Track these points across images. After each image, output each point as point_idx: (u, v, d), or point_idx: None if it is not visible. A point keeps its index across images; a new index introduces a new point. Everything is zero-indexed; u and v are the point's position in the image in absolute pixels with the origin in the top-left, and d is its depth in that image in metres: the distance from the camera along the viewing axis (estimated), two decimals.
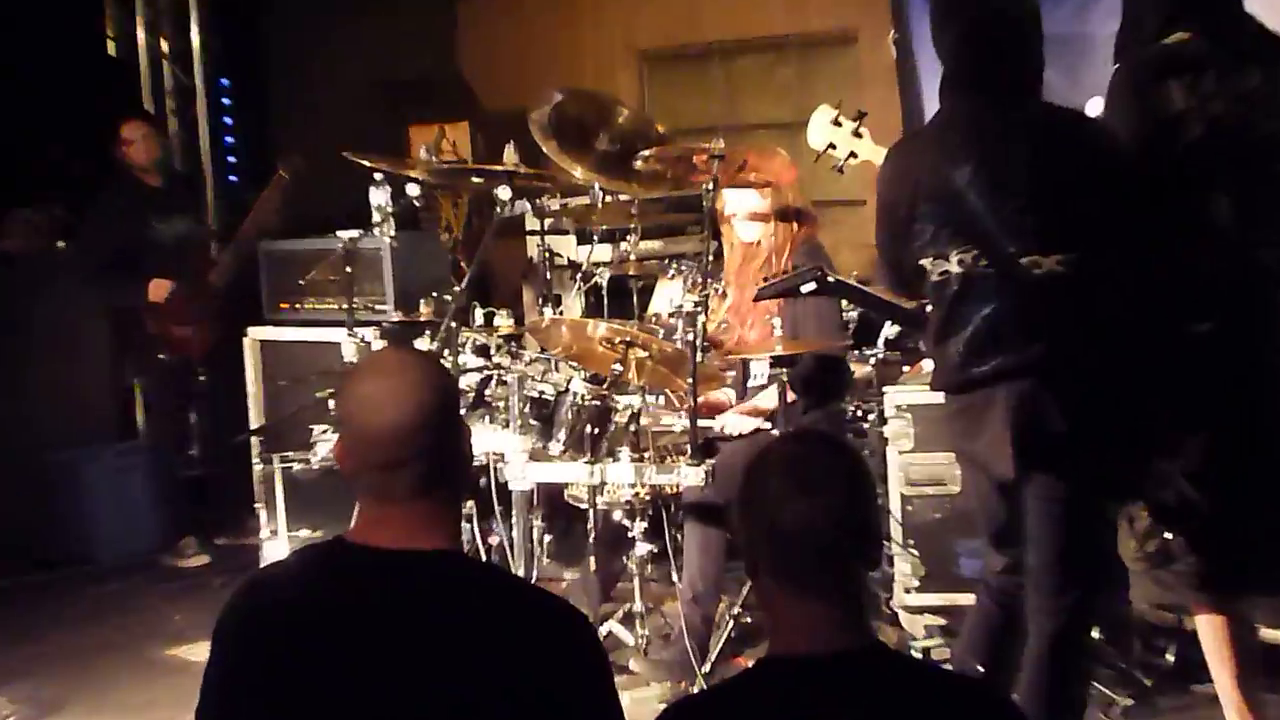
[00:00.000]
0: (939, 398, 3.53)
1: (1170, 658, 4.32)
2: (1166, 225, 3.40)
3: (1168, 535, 3.62)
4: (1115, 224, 3.31)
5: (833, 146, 3.91)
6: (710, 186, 4.10)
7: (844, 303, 4.79)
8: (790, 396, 4.44)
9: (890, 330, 5.13)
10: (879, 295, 3.92)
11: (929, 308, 3.44)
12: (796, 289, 3.95)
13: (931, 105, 6.26)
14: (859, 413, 4.98)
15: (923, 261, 3.36)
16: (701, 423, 4.32)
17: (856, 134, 3.89)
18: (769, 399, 4.66)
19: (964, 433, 3.43)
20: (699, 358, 3.99)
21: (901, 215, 3.37)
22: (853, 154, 3.85)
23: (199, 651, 4.96)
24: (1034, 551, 3.40)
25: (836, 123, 3.92)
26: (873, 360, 5.12)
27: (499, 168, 4.66)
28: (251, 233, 6.16)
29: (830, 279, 3.94)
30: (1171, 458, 3.47)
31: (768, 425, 4.63)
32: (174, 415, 6.44)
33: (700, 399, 4.19)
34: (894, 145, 3.67)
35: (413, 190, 5.08)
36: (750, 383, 4.87)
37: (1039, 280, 3.24)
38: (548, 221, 5.17)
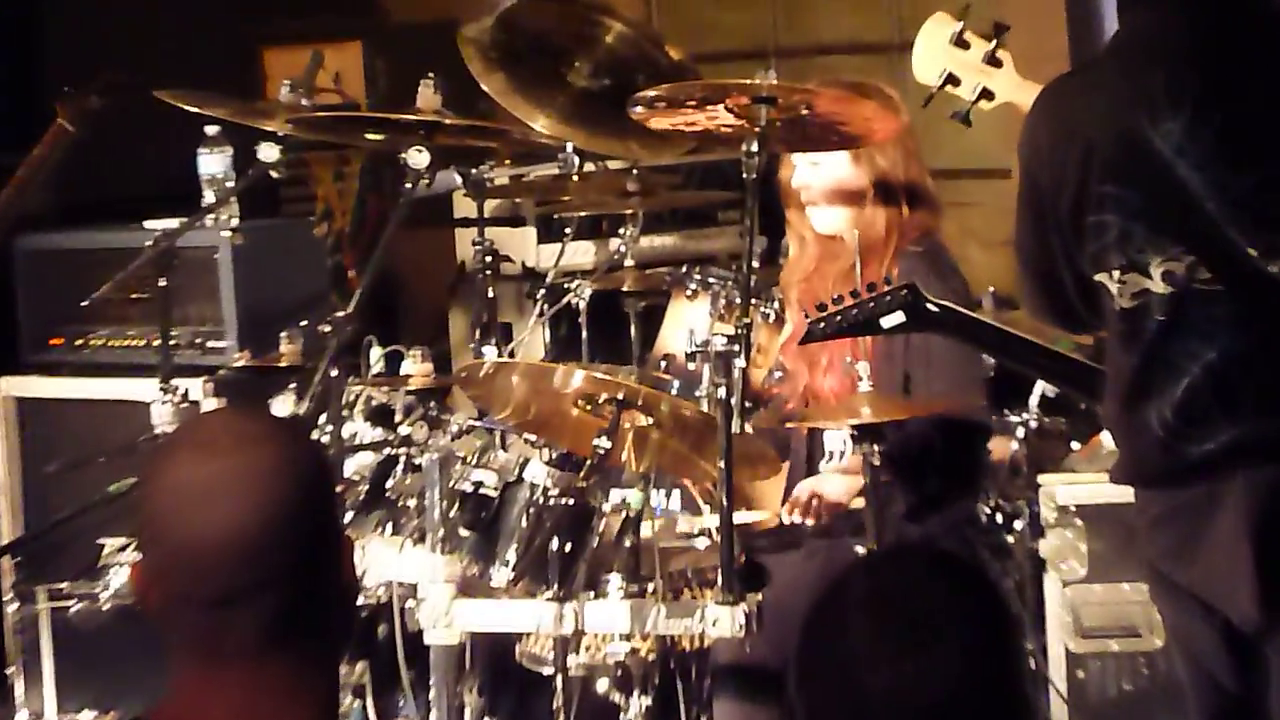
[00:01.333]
0: (1128, 494, 3.54)
1: None
2: None
3: None
4: None
5: (954, 80, 3.94)
6: (754, 149, 4.12)
7: None
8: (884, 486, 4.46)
9: (1047, 386, 5.14)
10: (1022, 335, 3.95)
11: (1111, 352, 3.46)
12: (875, 323, 3.98)
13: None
14: (998, 517, 4.98)
15: (1100, 278, 3.38)
16: (742, 522, 4.33)
17: (993, 60, 3.92)
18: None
19: (1174, 552, 3.43)
20: (737, 426, 4.00)
21: (1063, 203, 3.39)
22: (986, 93, 3.88)
23: None
24: None
25: (960, 43, 3.95)
26: (1021, 432, 5.13)
27: (410, 116, 4.69)
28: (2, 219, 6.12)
29: (934, 306, 3.96)
30: None
31: (854, 540, 4.64)
32: None
33: (741, 496, 4.18)
34: (1049, 87, 3.68)
35: (269, 154, 5.11)
36: (823, 465, 4.87)
37: None
38: (490, 204, 5.19)
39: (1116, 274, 3.34)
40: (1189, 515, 3.36)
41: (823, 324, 4.08)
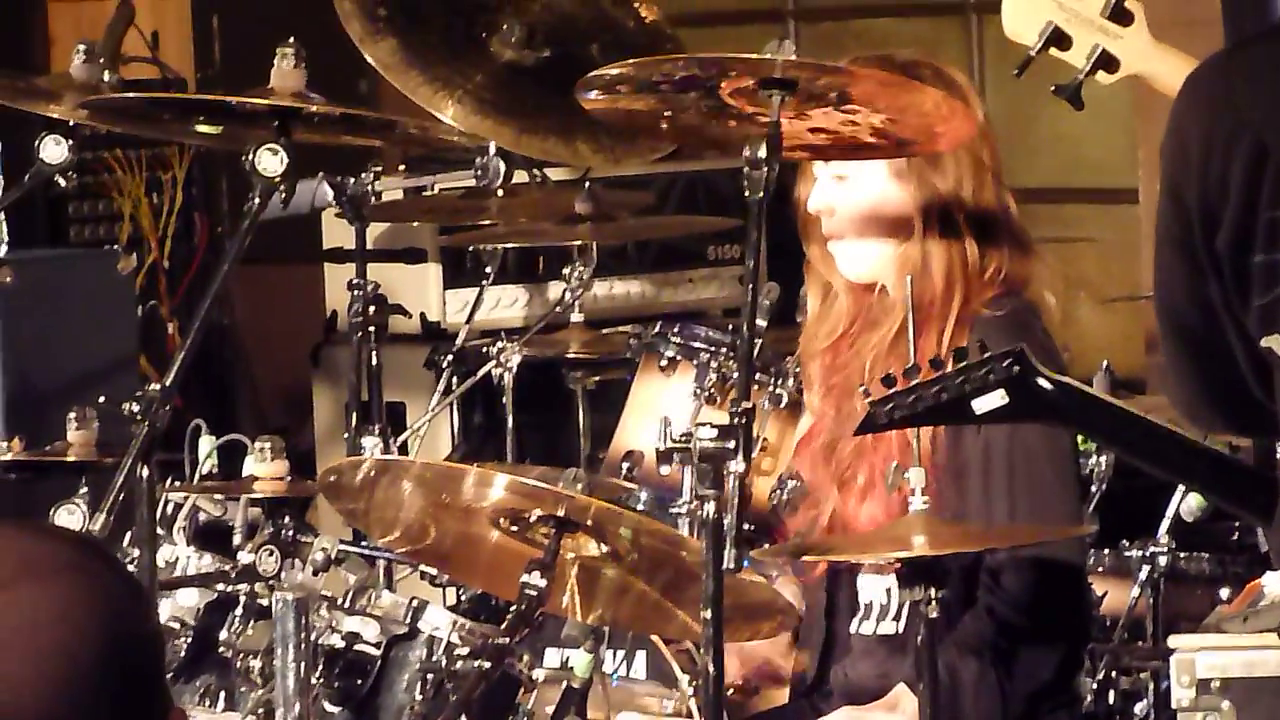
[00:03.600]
0: None
1: None
2: None
3: None
4: None
5: (1061, 40, 3.96)
6: (764, 153, 4.13)
7: (1082, 440, 4.80)
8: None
9: (1189, 503, 5.15)
10: (1168, 428, 3.95)
11: None
12: (964, 405, 3.97)
13: None
14: (1110, 696, 4.98)
15: (1270, 342, 3.36)
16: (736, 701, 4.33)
17: (1119, 13, 3.94)
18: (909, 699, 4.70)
19: None
20: (732, 561, 4.00)
21: (1224, 233, 3.39)
22: (1107, 59, 3.91)
23: None
24: None
25: None
26: (1145, 574, 5.14)
27: (260, 100, 4.70)
28: None
29: (1048, 384, 3.95)
30: None
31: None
32: None
33: (739, 662, 4.19)
34: (1207, 63, 3.70)
35: (54, 152, 5.14)
36: (855, 625, 4.86)
37: None
38: (377, 231, 5.20)
39: None
40: None
41: (890, 404, 4.06)
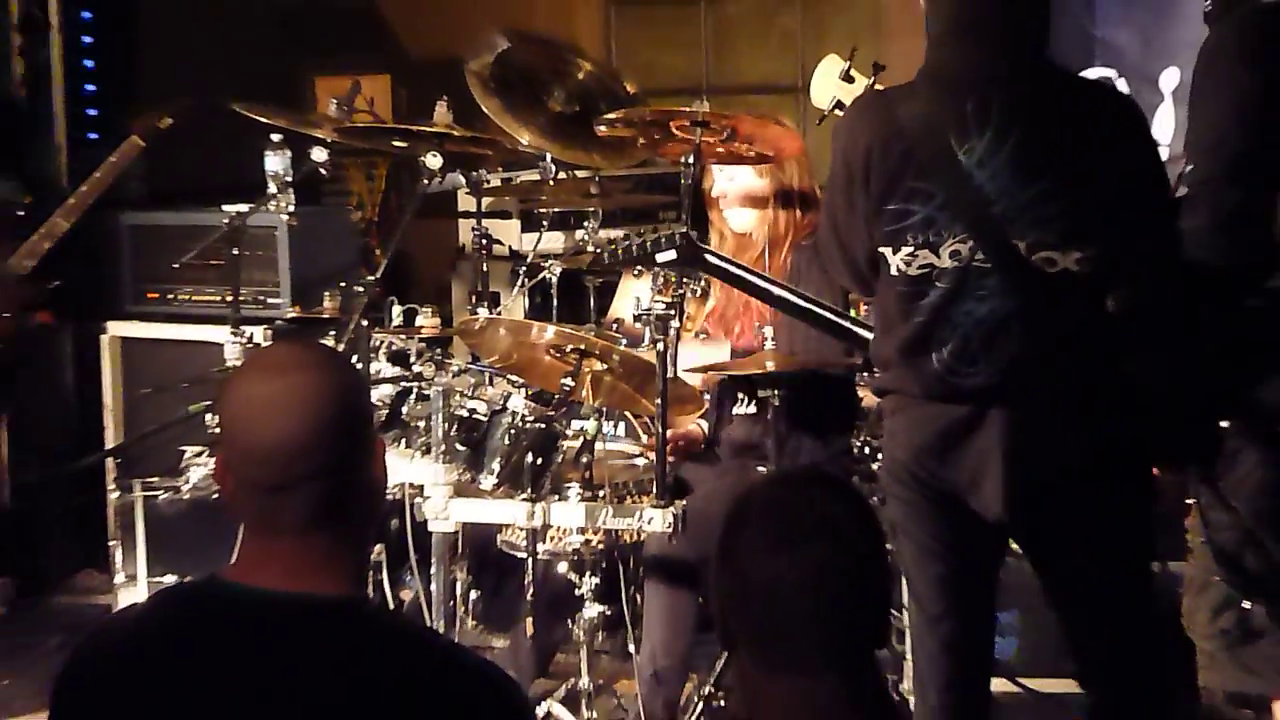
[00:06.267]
0: None
1: None
2: (1254, 227, 3.44)
3: (1246, 604, 3.65)
4: (1144, 219, 3.38)
5: (841, 107, 3.95)
6: (690, 161, 4.12)
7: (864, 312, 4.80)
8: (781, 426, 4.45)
9: None
10: (780, 284, 4.05)
11: (886, 308, 3.47)
12: (650, 258, 4.00)
13: None
14: (868, 450, 4.96)
15: (884, 250, 3.39)
16: (674, 453, 4.33)
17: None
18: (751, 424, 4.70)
19: (936, 453, 3.43)
20: (670, 373, 4.00)
21: (873, 188, 3.38)
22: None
23: None
24: (1070, 635, 3.49)
25: (847, 77, 3.95)
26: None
27: (426, 129, 4.67)
28: (79, 209, 6.03)
29: (705, 252, 3.99)
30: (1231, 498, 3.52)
31: (757, 463, 4.64)
32: None
33: (673, 427, 4.19)
34: (867, 95, 3.69)
35: (318, 155, 5.13)
36: (738, 410, 4.86)
37: (1053, 280, 3.29)
38: (486, 201, 5.17)
39: (905, 250, 3.35)
40: (954, 429, 3.38)
41: (605, 256, 4.09)
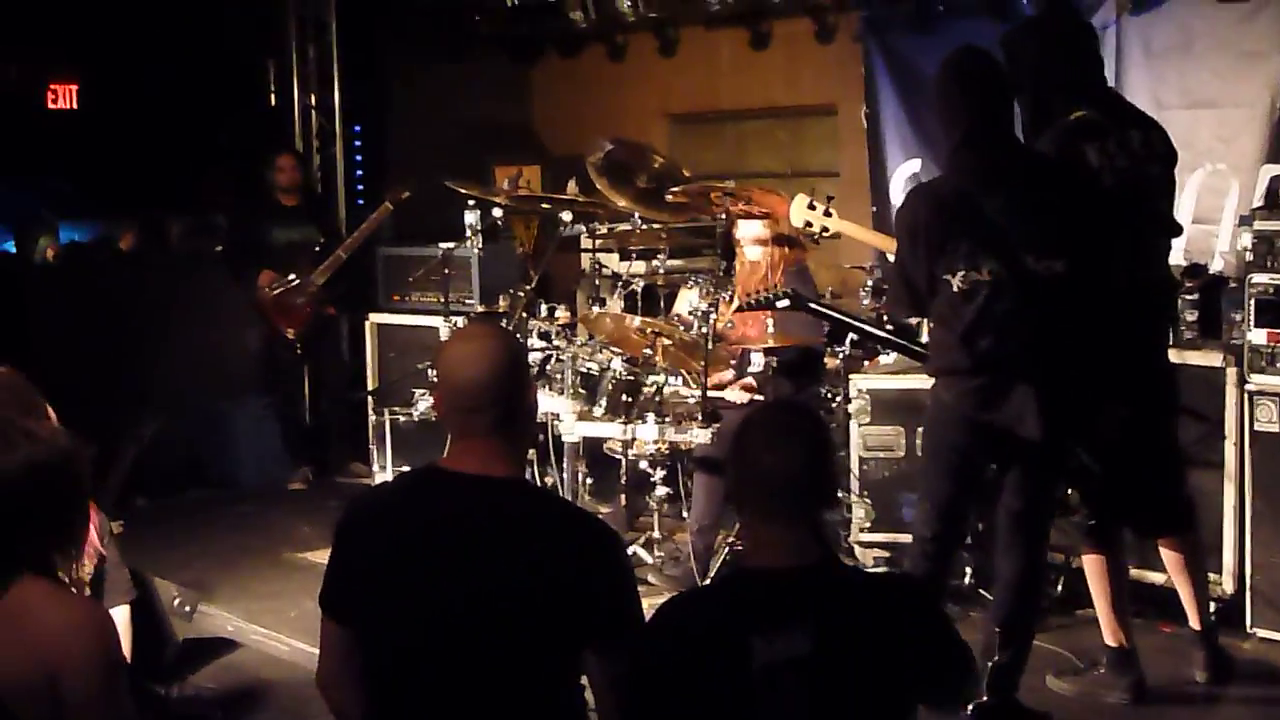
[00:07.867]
0: (895, 383, 3.49)
1: (1059, 588, 4.30)
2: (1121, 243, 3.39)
3: (1068, 490, 3.63)
4: (1093, 237, 3.29)
5: (809, 224, 3.99)
6: (723, 216, 4.11)
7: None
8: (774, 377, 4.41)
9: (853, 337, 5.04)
10: (852, 316, 4.03)
11: (944, 314, 3.27)
12: (773, 304, 3.99)
13: (893, 162, 6.14)
14: (830, 394, 4.93)
15: (945, 275, 3.22)
16: (711, 393, 4.30)
17: (827, 214, 3.96)
18: (759, 377, 4.65)
19: (985, 403, 3.24)
20: (710, 346, 3.99)
21: (933, 237, 3.23)
22: (825, 229, 3.93)
23: (320, 556, 4.98)
24: (1018, 502, 3.35)
25: (812, 207, 3.98)
26: (841, 355, 5.05)
27: (562, 198, 4.67)
28: (352, 246, 6.13)
29: (804, 301, 4.00)
30: (1087, 435, 3.43)
31: (760, 398, 4.60)
32: (292, 375, 6.45)
33: (710, 378, 4.17)
34: (919, 188, 3.59)
35: (496, 213, 5.15)
36: (750, 369, 4.83)
37: (1052, 281, 3.19)
38: (597, 241, 5.15)
39: (960, 274, 3.20)
40: (995, 386, 3.23)
41: (750, 302, 4.07)
